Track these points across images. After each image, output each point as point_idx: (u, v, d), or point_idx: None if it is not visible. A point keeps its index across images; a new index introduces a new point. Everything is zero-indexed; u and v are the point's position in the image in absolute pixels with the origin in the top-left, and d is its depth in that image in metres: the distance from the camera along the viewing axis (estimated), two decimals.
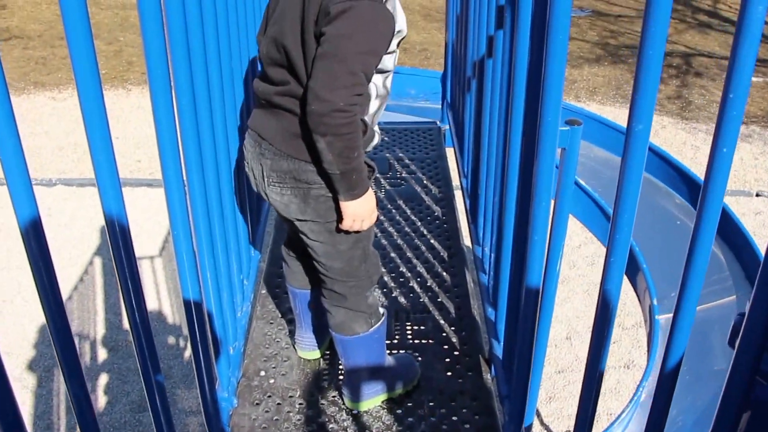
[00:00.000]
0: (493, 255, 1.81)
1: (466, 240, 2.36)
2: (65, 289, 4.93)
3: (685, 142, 6.95)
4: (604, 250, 1.07)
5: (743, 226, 2.61)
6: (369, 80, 1.38)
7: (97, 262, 5.27)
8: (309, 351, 1.88)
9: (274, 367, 1.88)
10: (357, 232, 1.50)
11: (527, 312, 1.38)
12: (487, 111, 1.84)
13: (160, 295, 4.98)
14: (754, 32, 0.74)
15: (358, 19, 1.31)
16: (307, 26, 1.36)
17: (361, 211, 1.44)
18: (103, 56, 8.29)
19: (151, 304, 4.89)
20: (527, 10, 1.27)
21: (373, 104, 1.51)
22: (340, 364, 1.82)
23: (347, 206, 1.43)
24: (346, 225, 1.47)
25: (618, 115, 7.31)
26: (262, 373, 1.86)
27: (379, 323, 1.66)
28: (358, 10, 1.30)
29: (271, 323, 2.04)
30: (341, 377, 1.82)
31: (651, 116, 0.94)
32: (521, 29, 1.31)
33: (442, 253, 2.31)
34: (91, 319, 4.82)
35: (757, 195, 6.28)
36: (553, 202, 1.27)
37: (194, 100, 1.35)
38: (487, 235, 1.94)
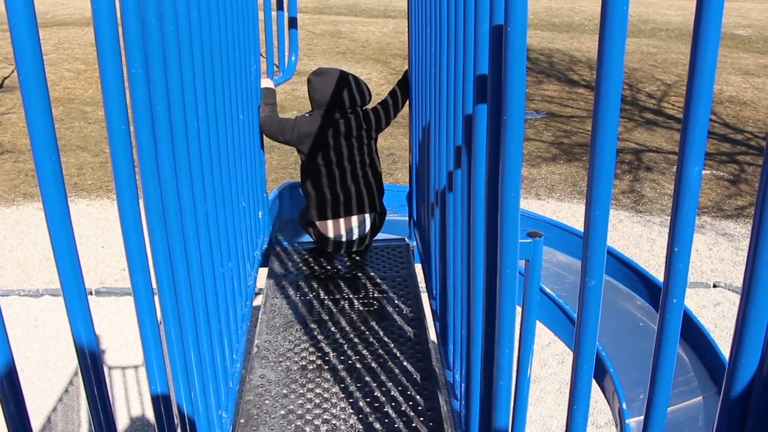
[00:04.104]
0: (463, 384, 1.84)
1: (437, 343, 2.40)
2: (51, 399, 4.98)
3: (641, 235, 7.21)
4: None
5: (704, 327, 2.72)
6: None
7: None
8: None
9: None
10: None
11: None
12: (451, 239, 1.91)
13: (144, 405, 5.06)
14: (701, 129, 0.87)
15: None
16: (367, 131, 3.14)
17: None
18: (90, 167, 8.57)
19: (135, 412, 4.96)
20: (481, 153, 1.37)
21: None
22: None
23: None
24: None
25: (576, 210, 7.74)
26: None
27: None
28: None
29: None
30: None
31: (602, 273, 1.04)
32: (477, 170, 1.42)
33: (415, 376, 2.31)
34: (75, 431, 4.86)
35: (715, 286, 6.27)
36: (519, 309, 1.32)
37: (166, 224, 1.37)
38: (458, 361, 1.97)
